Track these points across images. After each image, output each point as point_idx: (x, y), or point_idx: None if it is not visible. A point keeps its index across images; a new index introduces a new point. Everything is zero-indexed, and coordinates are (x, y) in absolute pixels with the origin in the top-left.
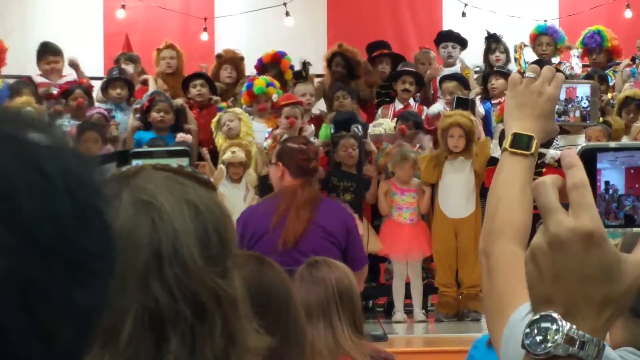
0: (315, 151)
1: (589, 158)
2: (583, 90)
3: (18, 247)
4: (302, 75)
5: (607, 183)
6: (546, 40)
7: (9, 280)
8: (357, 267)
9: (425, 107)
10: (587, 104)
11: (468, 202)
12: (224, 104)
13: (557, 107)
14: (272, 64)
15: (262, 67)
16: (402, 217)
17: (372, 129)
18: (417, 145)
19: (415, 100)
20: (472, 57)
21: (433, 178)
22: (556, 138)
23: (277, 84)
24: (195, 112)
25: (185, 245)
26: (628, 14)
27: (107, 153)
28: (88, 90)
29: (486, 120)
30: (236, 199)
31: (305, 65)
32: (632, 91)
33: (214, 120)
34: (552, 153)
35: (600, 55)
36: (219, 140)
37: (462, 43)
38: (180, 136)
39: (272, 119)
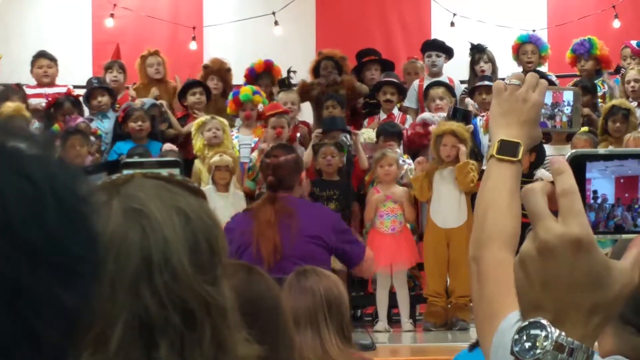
0: (275, 164)
1: (578, 165)
2: (568, 95)
3: (5, 249)
4: (284, 83)
5: (595, 192)
6: (530, 49)
7: None
8: (357, 262)
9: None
10: (569, 110)
11: (459, 212)
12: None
13: (544, 111)
14: (265, 73)
15: (256, 76)
16: (385, 226)
17: None
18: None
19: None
20: (460, 67)
21: (427, 195)
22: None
23: (263, 93)
24: (191, 119)
25: (175, 253)
26: (616, 24)
27: (99, 162)
28: (77, 101)
29: (474, 135)
30: (223, 208)
31: (289, 73)
32: (618, 100)
33: (196, 122)
34: (542, 173)
35: (589, 63)
36: (198, 143)
37: (447, 52)
38: (168, 146)
39: (258, 129)
